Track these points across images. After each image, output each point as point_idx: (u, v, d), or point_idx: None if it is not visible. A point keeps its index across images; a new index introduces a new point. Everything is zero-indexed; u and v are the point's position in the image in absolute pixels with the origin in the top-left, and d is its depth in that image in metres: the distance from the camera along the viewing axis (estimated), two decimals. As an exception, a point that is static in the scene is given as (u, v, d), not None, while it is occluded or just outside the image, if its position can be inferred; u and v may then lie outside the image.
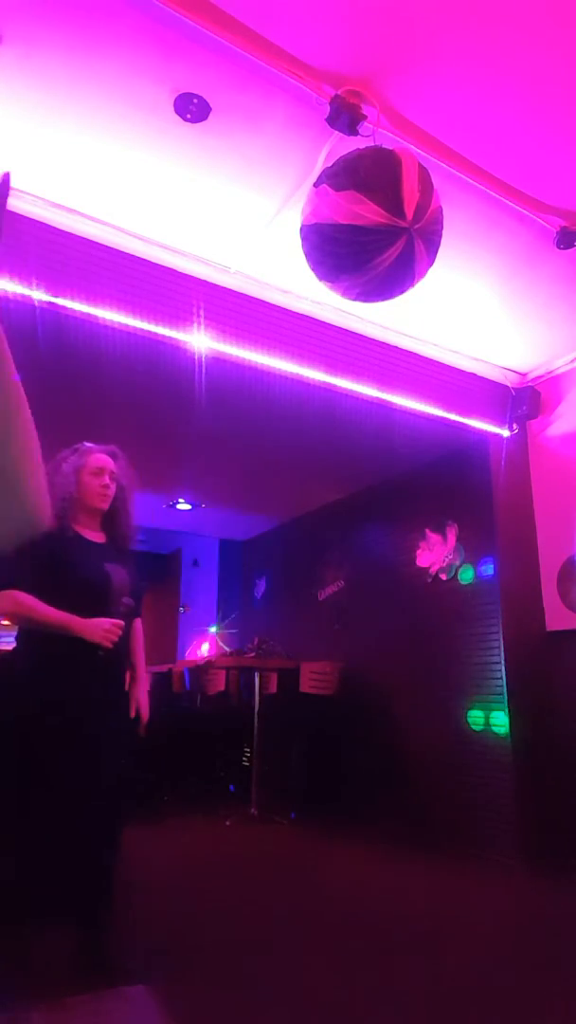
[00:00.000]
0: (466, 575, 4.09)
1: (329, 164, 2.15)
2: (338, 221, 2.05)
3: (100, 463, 2.30)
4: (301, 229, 2.20)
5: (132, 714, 2.27)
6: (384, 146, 2.14)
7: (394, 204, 1.98)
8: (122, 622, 2.12)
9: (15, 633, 2.20)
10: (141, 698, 2.30)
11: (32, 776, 2.01)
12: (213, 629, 6.77)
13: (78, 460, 2.29)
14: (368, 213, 1.99)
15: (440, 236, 2.16)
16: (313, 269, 2.24)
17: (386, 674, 4.59)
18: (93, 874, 2.04)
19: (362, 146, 2.15)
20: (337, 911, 2.75)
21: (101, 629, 2.05)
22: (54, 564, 2.10)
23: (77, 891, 2.01)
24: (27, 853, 2.00)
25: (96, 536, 2.29)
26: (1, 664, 2.28)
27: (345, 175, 2.03)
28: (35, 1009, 1.79)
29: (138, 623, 2.37)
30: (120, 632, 2.10)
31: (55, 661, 2.06)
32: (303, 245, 2.21)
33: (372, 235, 2.02)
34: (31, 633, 2.13)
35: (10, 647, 2.20)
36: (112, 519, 2.33)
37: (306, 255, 2.22)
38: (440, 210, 2.13)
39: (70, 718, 2.03)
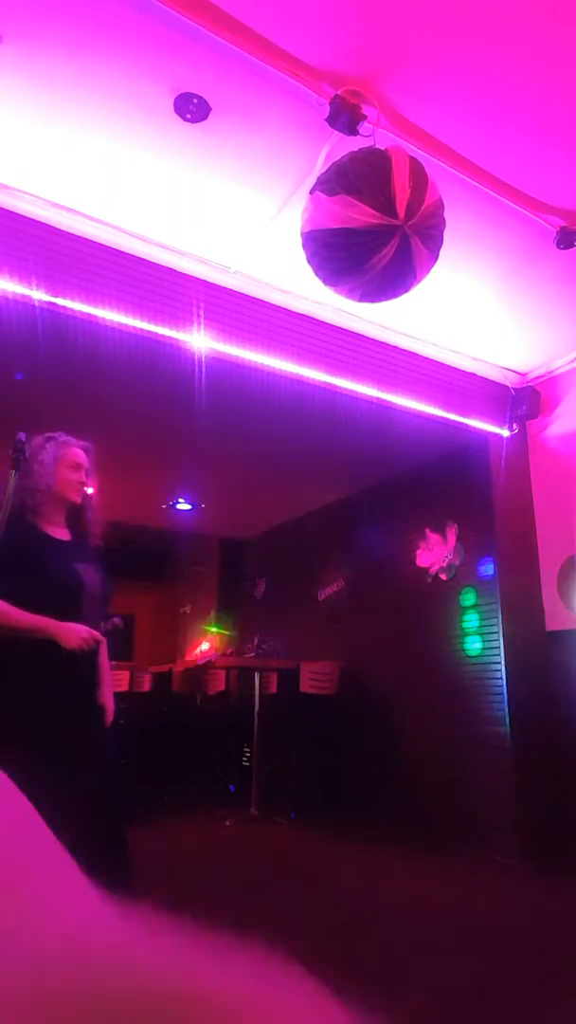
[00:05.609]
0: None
1: (325, 168, 2.15)
2: (332, 226, 2.05)
3: (78, 458, 2.20)
4: (301, 237, 2.21)
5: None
6: (376, 146, 2.14)
7: (385, 203, 1.98)
8: (101, 637, 2.04)
9: None
10: (107, 700, 2.21)
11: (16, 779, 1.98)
12: (213, 629, 6.76)
13: (57, 451, 2.17)
14: (359, 215, 1.99)
15: (440, 231, 2.15)
16: (316, 274, 2.25)
17: (386, 674, 4.59)
18: (106, 876, 2.02)
19: (357, 148, 2.15)
20: (337, 911, 2.75)
21: (79, 637, 1.96)
22: (25, 565, 2.01)
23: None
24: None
25: (61, 533, 2.18)
26: None
27: (336, 180, 2.04)
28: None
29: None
30: (95, 645, 2.01)
31: (26, 661, 1.97)
32: (304, 253, 2.22)
33: (365, 236, 2.02)
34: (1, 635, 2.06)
35: None
36: (79, 516, 2.22)
37: (308, 262, 2.23)
38: (438, 204, 2.11)
39: (46, 719, 1.96)
